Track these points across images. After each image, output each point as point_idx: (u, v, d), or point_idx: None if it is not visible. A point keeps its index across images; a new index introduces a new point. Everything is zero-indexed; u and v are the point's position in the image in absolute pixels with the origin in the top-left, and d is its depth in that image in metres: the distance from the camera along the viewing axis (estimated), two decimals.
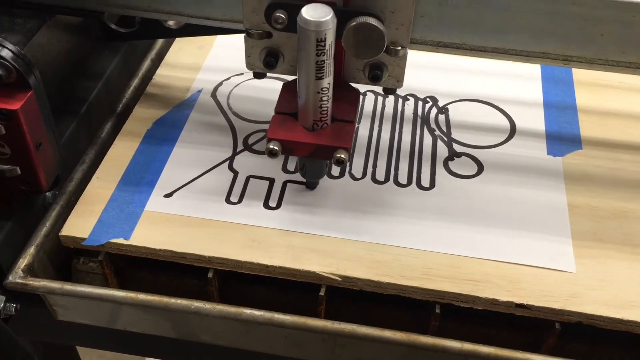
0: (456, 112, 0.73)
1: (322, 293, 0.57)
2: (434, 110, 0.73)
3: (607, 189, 0.64)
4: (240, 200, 0.63)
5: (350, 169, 0.66)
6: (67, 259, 0.62)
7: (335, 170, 0.66)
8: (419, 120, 0.72)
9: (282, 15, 0.51)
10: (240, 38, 0.65)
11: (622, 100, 0.75)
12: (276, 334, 0.57)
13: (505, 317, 0.56)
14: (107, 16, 0.66)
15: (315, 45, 0.49)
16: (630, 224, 0.61)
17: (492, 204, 0.62)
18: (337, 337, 0.55)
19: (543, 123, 0.72)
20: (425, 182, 0.65)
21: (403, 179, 0.65)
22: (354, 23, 0.49)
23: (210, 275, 0.59)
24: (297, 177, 0.65)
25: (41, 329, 0.68)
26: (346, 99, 0.58)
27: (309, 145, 0.56)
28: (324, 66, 0.51)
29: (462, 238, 0.59)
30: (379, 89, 0.63)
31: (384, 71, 0.55)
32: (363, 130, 0.71)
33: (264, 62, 0.56)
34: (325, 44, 0.49)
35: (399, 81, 0.55)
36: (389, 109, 0.73)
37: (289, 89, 0.59)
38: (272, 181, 0.65)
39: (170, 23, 0.65)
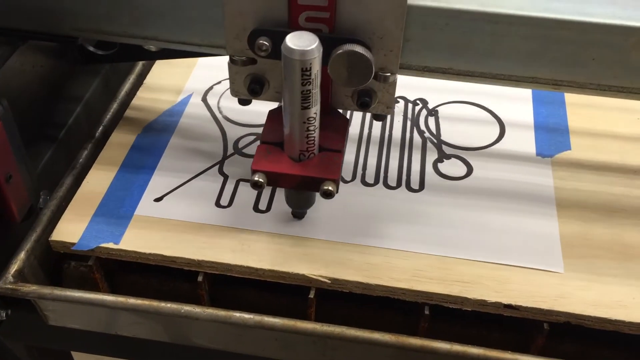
0: (446, 114, 0.73)
1: (311, 295, 0.57)
2: (424, 113, 0.74)
3: (596, 189, 0.64)
4: (230, 204, 0.63)
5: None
6: (58, 263, 0.62)
7: None
8: (408, 122, 0.72)
9: (266, 43, 0.49)
10: (222, 59, 0.64)
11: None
12: (267, 337, 0.57)
13: (495, 318, 0.56)
14: (83, 40, 0.64)
15: (300, 75, 0.47)
16: (618, 224, 0.61)
17: (481, 205, 0.63)
18: (327, 340, 0.55)
19: (532, 124, 0.72)
20: (415, 183, 0.65)
21: (392, 181, 0.65)
22: (340, 51, 0.47)
23: (200, 278, 0.59)
24: None
25: (34, 334, 0.68)
26: (334, 126, 0.56)
27: (295, 177, 0.54)
28: (310, 95, 0.49)
29: (451, 239, 0.60)
30: None
31: (373, 97, 0.52)
32: (353, 132, 0.71)
33: (248, 89, 0.54)
34: (311, 73, 0.47)
35: (389, 107, 0.53)
36: None
37: (274, 117, 0.57)
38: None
39: (151, 46, 0.64)
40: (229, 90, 0.55)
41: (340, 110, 0.57)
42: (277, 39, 0.48)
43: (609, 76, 0.51)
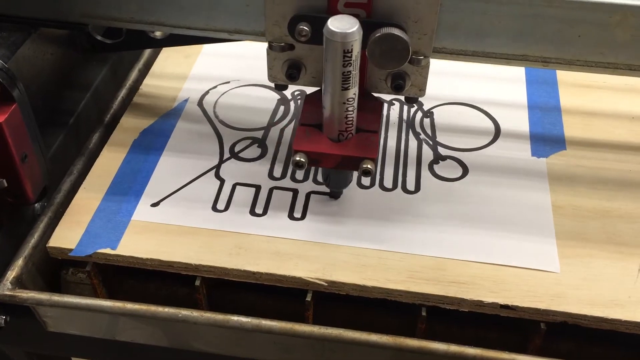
0: (441, 116, 0.74)
1: (308, 298, 0.58)
2: (419, 114, 0.74)
3: (591, 189, 0.65)
4: (227, 208, 0.63)
5: None
6: (56, 269, 0.62)
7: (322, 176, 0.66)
8: (404, 124, 0.73)
9: (306, 28, 0.51)
10: (225, 46, 0.66)
11: (606, 100, 0.75)
12: (265, 340, 0.57)
13: (492, 318, 0.57)
14: (93, 28, 0.66)
15: (342, 57, 0.49)
16: (613, 223, 0.61)
17: (476, 206, 0.63)
18: (325, 342, 0.55)
19: (527, 125, 0.72)
20: (411, 185, 0.65)
21: (388, 183, 0.66)
22: (379, 34, 0.49)
23: (197, 283, 0.59)
24: (284, 183, 0.66)
25: (33, 341, 0.68)
26: (369, 108, 0.58)
27: (335, 157, 0.56)
28: (350, 77, 0.51)
29: (447, 240, 0.60)
30: None
31: (407, 80, 0.55)
32: None
33: (286, 74, 0.56)
34: (352, 54, 0.49)
35: (422, 90, 0.56)
36: None
37: (312, 101, 0.59)
38: (258, 188, 0.65)
39: (157, 33, 0.65)
40: (267, 76, 0.57)
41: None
42: (317, 24, 0.50)
43: (595, 53, 0.53)
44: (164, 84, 0.79)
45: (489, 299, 0.55)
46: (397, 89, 0.55)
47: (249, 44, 0.63)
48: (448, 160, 0.68)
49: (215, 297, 0.62)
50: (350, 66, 0.50)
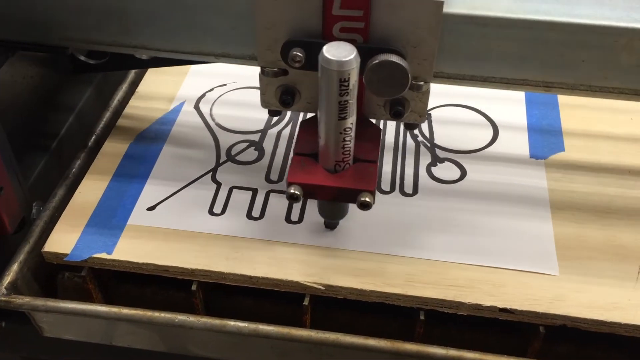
0: (439, 118, 0.73)
1: (306, 303, 0.57)
2: None
3: (590, 190, 0.64)
4: (223, 212, 0.63)
5: None
6: (52, 274, 0.62)
7: None
8: (401, 127, 0.72)
9: (300, 54, 0.48)
10: (214, 66, 0.64)
11: (605, 100, 0.75)
12: (262, 344, 0.57)
13: (491, 322, 0.56)
14: (74, 49, 0.64)
15: (338, 86, 0.47)
16: (612, 225, 0.61)
17: (474, 209, 0.63)
18: (323, 347, 0.55)
19: (525, 126, 0.72)
20: (409, 188, 0.65)
21: (386, 185, 0.65)
22: (376, 61, 0.46)
23: (194, 287, 0.59)
24: (280, 187, 0.65)
25: (29, 346, 0.68)
26: (367, 136, 0.55)
27: (331, 189, 0.53)
28: (347, 106, 0.48)
29: (445, 243, 0.59)
30: None
31: (406, 106, 0.52)
32: None
33: (280, 100, 0.53)
34: (349, 83, 0.47)
35: (422, 116, 0.53)
36: None
37: (307, 128, 0.56)
38: (255, 191, 0.65)
39: (142, 54, 0.63)
40: (260, 101, 0.54)
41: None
42: (311, 50, 0.48)
43: (600, 77, 0.51)
44: (150, 105, 0.76)
45: (487, 302, 0.55)
46: (396, 115, 0.52)
47: None
48: (446, 162, 0.68)
49: (212, 302, 0.61)
50: (347, 95, 0.47)
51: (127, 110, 0.76)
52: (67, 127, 0.71)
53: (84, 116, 0.74)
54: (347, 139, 0.51)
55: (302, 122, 0.57)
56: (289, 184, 0.53)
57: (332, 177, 0.53)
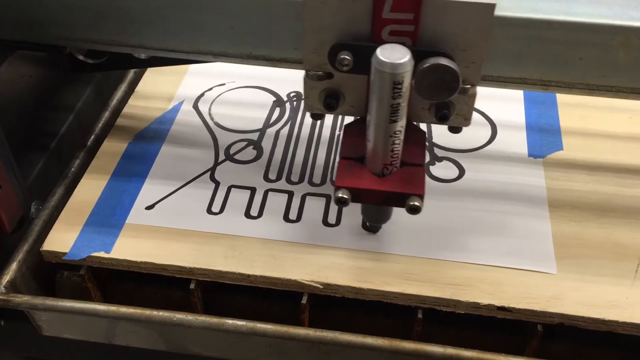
0: None
1: (304, 301, 0.57)
2: None
3: (588, 189, 0.64)
4: (221, 211, 0.63)
5: (331, 177, 0.66)
6: (51, 273, 0.62)
7: (317, 178, 0.66)
8: None
9: (348, 57, 0.47)
10: (213, 66, 0.64)
11: (603, 99, 0.75)
12: (261, 343, 0.57)
13: (489, 320, 0.56)
14: (73, 49, 0.64)
15: (391, 88, 0.46)
16: (610, 223, 0.61)
17: (473, 208, 0.63)
18: (321, 345, 0.55)
19: (524, 125, 0.72)
20: None
21: None
22: (427, 64, 0.46)
23: (192, 286, 0.59)
24: (279, 185, 0.65)
25: (29, 345, 0.68)
26: (413, 140, 0.53)
27: (380, 193, 0.52)
28: (399, 109, 0.47)
29: (443, 242, 0.59)
30: None
31: (452, 110, 0.51)
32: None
33: (324, 103, 0.52)
34: (402, 86, 0.46)
35: (467, 120, 0.52)
36: None
37: (351, 132, 0.55)
38: (253, 190, 0.65)
39: (141, 53, 0.63)
40: (304, 105, 0.53)
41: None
42: (360, 53, 0.47)
43: (597, 76, 0.51)
44: (149, 104, 0.77)
45: (485, 300, 0.55)
46: (442, 119, 0.51)
47: None
48: (444, 161, 0.68)
49: (211, 300, 0.61)
50: (399, 98, 0.46)
51: (126, 109, 0.76)
52: (66, 127, 0.71)
53: (83, 115, 0.74)
54: (397, 142, 0.50)
55: (345, 126, 0.56)
56: (337, 188, 0.52)
57: (380, 181, 0.52)
